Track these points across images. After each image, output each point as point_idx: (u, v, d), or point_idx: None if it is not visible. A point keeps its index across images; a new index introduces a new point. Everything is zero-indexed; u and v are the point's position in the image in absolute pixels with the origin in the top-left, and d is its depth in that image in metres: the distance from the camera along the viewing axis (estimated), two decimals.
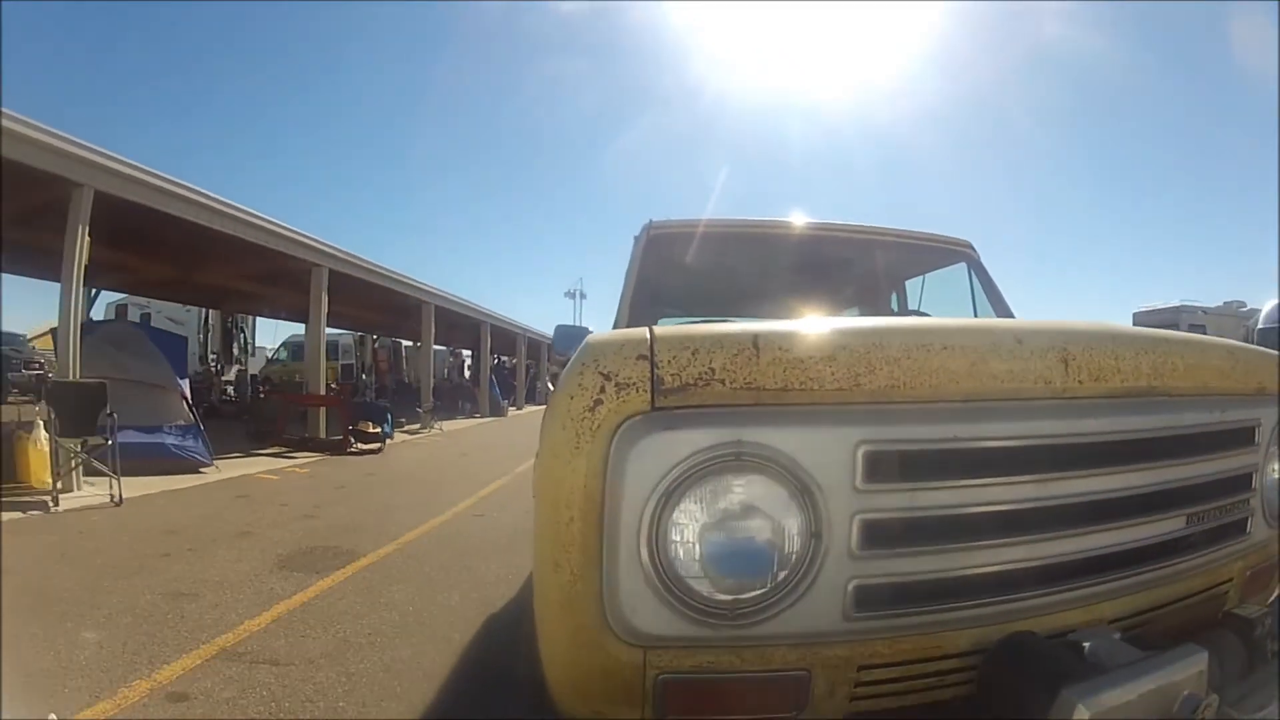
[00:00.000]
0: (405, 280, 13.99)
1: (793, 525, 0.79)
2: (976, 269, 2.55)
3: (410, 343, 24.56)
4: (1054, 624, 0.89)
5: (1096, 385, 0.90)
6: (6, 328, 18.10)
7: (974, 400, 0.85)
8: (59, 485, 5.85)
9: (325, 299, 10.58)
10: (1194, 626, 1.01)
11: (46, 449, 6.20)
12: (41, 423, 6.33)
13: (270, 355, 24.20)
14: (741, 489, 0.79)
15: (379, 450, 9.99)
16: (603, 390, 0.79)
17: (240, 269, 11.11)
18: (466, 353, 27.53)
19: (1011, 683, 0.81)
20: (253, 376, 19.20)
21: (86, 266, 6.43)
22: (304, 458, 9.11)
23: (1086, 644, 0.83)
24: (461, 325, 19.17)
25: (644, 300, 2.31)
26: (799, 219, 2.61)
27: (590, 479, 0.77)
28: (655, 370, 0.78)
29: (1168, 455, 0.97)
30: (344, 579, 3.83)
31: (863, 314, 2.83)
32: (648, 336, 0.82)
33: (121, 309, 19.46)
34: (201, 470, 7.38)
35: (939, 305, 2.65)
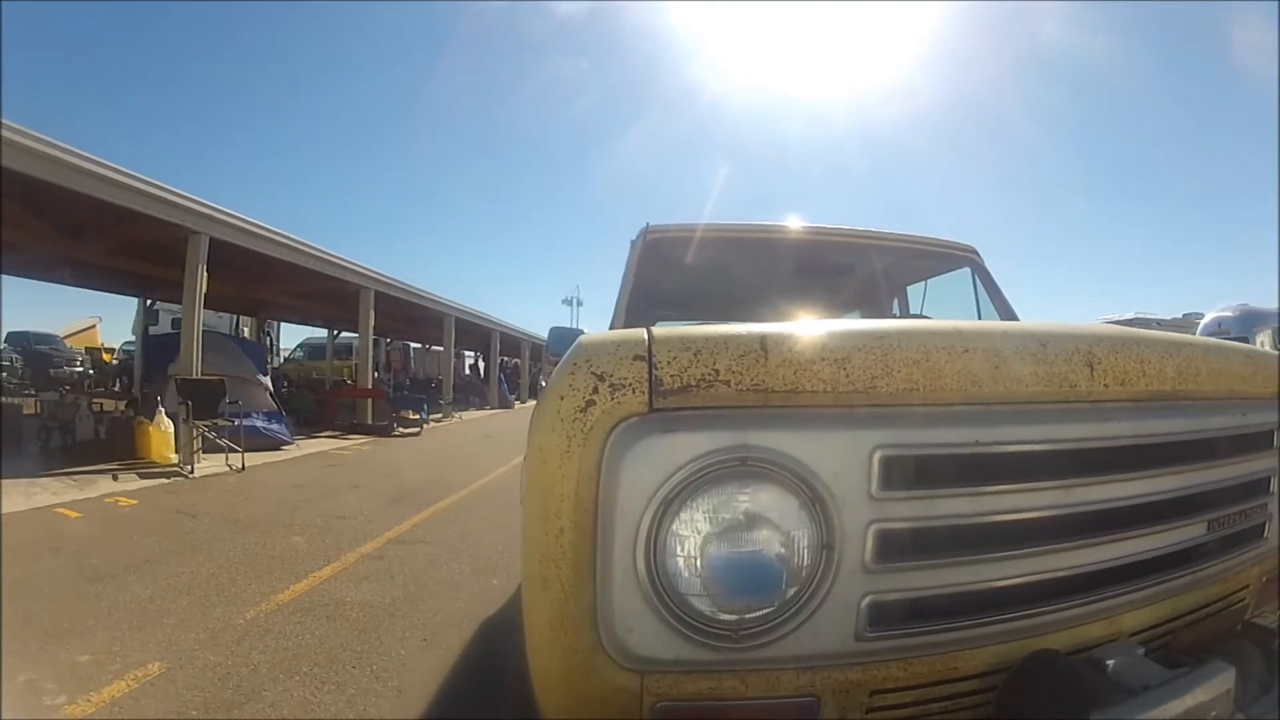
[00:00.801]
0: (433, 298, 16.24)
1: (803, 537, 0.72)
2: (981, 274, 2.46)
3: (418, 345, 26.05)
4: (1074, 639, 0.83)
5: (1122, 389, 0.85)
6: (38, 328, 19.04)
7: (997, 404, 0.79)
8: (179, 458, 7.19)
9: (372, 314, 12.19)
10: (1213, 637, 0.98)
11: (170, 431, 7.53)
12: (163, 410, 7.64)
13: (287, 355, 25.44)
14: (747, 497, 0.72)
15: (418, 433, 11.53)
16: (595, 391, 0.71)
17: (293, 288, 12.48)
18: (469, 354, 29.09)
19: (1034, 707, 0.74)
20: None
21: (149, 278, 7.67)
22: (358, 439, 10.69)
23: (1110, 662, 0.77)
24: (473, 332, 20.83)
25: (640, 304, 2.24)
26: (798, 223, 2.53)
27: (582, 485, 0.70)
28: (654, 371, 0.72)
29: (1192, 459, 0.94)
30: (442, 508, 5.38)
31: (864, 319, 2.73)
32: (645, 337, 0.75)
33: (153, 313, 20.55)
34: (283, 448, 8.80)
35: (941, 311, 2.56)
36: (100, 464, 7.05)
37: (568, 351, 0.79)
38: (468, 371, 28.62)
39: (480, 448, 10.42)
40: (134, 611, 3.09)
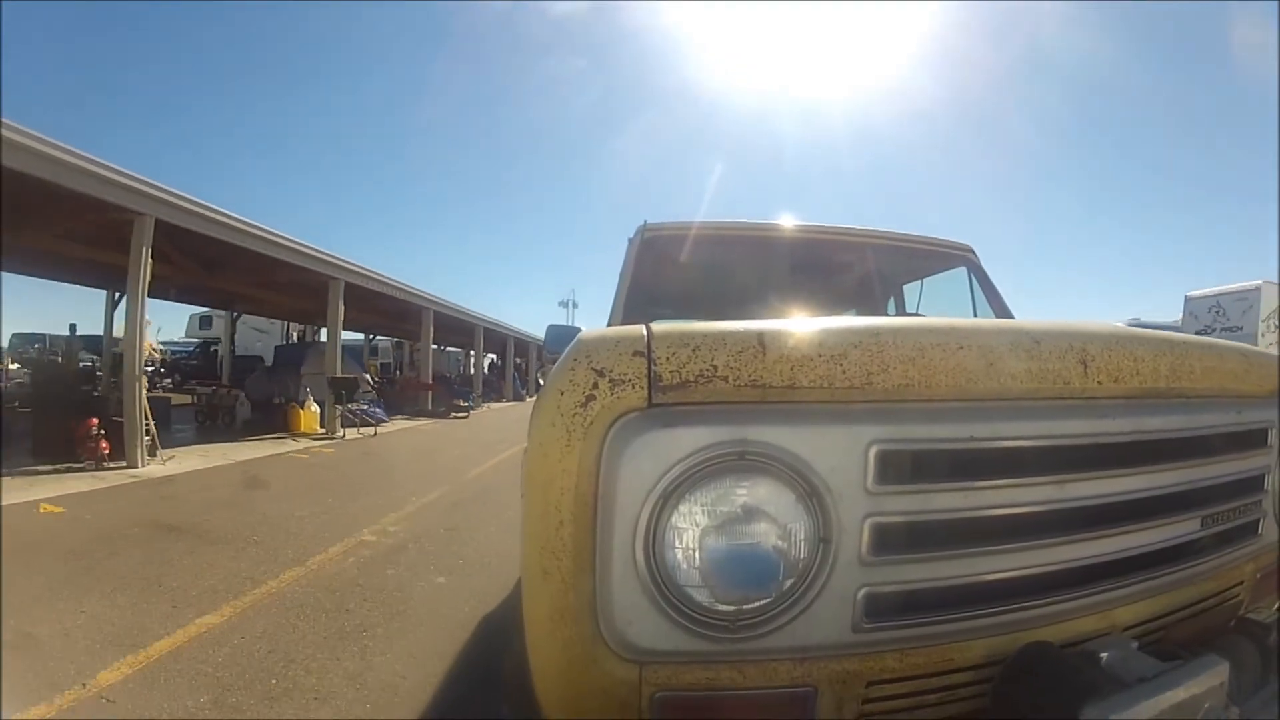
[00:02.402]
0: (472, 313, 19.74)
1: (800, 529, 0.72)
2: (977, 273, 2.45)
3: (434, 346, 29.82)
4: (1068, 632, 0.83)
5: (1115, 386, 0.85)
6: (86, 331, 21.23)
7: (991, 400, 0.79)
8: (326, 429, 10.71)
9: (431, 329, 15.97)
10: (1208, 633, 0.97)
11: (316, 411, 11.03)
12: (311, 397, 11.15)
13: None
14: (745, 490, 0.72)
15: (466, 417, 15.15)
16: (595, 386, 0.72)
17: (356, 306, 15.45)
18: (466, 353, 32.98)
19: (1028, 698, 0.74)
20: None
21: (235, 294, 11.43)
22: (426, 420, 14.15)
23: (1103, 655, 0.78)
24: (491, 337, 24.62)
25: (638, 302, 2.25)
26: (795, 222, 2.52)
27: (582, 479, 0.70)
28: (653, 366, 0.72)
29: (1186, 456, 0.93)
30: (515, 450, 8.81)
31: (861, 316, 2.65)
32: (644, 333, 0.75)
33: (206, 319, 23.75)
34: (381, 423, 12.21)
35: (937, 310, 2.54)
36: (268, 435, 9.96)
37: (568, 347, 0.79)
38: (484, 370, 32.38)
39: (519, 425, 13.94)
40: (407, 483, 6.18)
